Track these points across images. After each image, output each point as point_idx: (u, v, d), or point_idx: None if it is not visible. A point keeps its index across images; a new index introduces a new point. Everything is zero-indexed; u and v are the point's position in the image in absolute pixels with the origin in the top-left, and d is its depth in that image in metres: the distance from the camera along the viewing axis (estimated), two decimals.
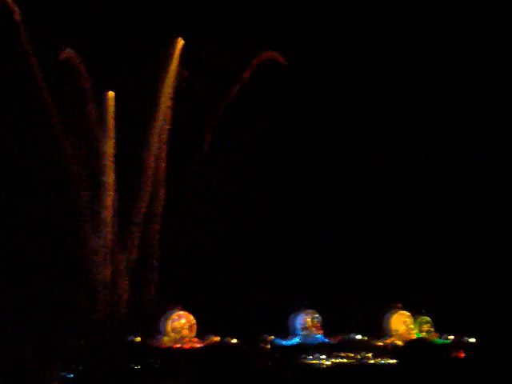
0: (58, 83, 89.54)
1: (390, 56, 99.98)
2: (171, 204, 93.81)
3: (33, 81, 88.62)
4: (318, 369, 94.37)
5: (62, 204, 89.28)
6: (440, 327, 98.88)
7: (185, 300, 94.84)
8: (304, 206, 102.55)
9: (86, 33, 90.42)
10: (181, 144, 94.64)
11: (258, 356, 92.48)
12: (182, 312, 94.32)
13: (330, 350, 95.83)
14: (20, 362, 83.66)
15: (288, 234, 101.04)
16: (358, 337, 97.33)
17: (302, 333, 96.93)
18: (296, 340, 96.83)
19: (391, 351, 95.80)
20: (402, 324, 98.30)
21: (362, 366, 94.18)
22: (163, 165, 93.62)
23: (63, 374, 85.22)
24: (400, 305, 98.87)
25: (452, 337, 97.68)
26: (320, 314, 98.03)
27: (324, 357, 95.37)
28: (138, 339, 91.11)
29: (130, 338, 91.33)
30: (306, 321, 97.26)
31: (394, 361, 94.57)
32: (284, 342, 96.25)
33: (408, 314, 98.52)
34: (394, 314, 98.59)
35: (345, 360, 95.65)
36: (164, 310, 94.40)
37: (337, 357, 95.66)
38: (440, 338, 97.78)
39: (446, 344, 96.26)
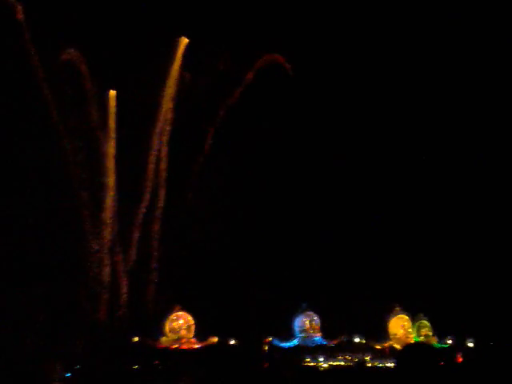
0: (60, 83, 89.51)
1: (391, 58, 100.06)
2: (172, 205, 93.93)
3: (34, 81, 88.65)
4: (316, 371, 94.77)
5: (63, 205, 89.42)
6: (439, 331, 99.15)
7: (185, 300, 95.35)
8: (304, 207, 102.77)
9: (88, 33, 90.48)
10: (182, 145, 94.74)
11: (255, 357, 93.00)
12: (180, 312, 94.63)
13: (328, 352, 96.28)
14: (21, 363, 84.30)
15: (288, 234, 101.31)
16: (357, 339, 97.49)
17: (300, 335, 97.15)
18: (294, 342, 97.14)
19: (389, 354, 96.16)
20: (400, 328, 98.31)
21: (359, 368, 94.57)
22: (164, 166, 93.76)
23: (64, 373, 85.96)
24: (398, 307, 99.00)
25: (450, 341, 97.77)
26: (319, 315, 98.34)
27: (322, 359, 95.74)
28: (136, 339, 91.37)
29: (130, 338, 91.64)
30: (305, 323, 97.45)
31: (392, 364, 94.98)
32: (282, 344, 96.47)
33: (406, 317, 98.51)
34: (392, 317, 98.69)
35: (343, 362, 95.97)
36: (164, 311, 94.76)
37: (335, 359, 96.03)
38: (438, 343, 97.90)
39: (444, 348, 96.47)
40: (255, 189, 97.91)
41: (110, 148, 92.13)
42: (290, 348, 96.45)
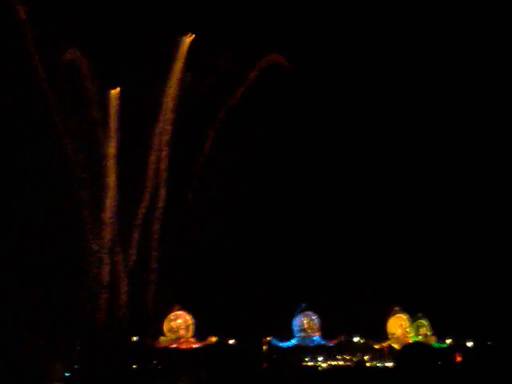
0: (61, 83, 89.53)
1: (393, 60, 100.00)
2: (172, 205, 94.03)
3: (35, 80, 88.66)
4: (315, 370, 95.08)
5: (63, 204, 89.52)
6: (438, 330, 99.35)
7: (184, 300, 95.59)
8: (304, 207, 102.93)
9: (89, 33, 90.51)
10: (182, 145, 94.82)
11: (254, 357, 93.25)
12: (179, 312, 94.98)
13: (327, 352, 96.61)
14: (21, 362, 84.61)
15: (288, 234, 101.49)
16: (356, 339, 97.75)
17: (299, 334, 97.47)
18: (293, 342, 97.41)
19: (388, 354, 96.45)
20: (399, 327, 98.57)
21: (358, 368, 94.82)
22: (164, 166, 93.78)
23: (64, 373, 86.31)
24: (398, 308, 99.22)
25: (449, 341, 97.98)
26: (318, 315, 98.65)
27: (321, 359, 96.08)
28: (135, 339, 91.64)
29: (129, 337, 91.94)
30: (303, 323, 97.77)
31: (391, 364, 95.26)
32: (281, 344, 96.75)
33: (405, 317, 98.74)
34: (390, 317, 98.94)
35: (342, 362, 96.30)
36: (163, 310, 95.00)
37: (334, 359, 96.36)
38: (437, 342, 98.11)
39: (443, 348, 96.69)
40: (255, 189, 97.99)
41: (111, 148, 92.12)
42: (288, 348, 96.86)
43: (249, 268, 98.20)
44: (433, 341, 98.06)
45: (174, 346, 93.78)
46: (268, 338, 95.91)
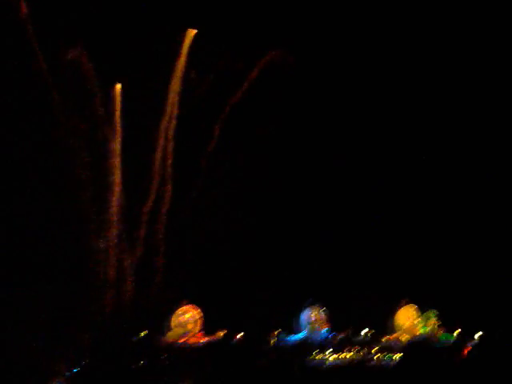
0: (64, 80, 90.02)
1: (397, 57, 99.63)
2: (178, 201, 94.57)
3: (38, 78, 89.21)
4: (323, 363, 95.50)
5: (68, 202, 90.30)
6: (447, 322, 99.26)
7: (192, 294, 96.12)
8: (313, 200, 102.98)
9: (92, 28, 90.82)
10: (188, 141, 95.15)
11: (262, 350, 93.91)
12: (187, 307, 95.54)
13: (334, 345, 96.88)
14: (25, 361, 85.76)
15: (296, 227, 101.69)
16: (364, 332, 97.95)
17: (306, 328, 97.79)
18: (301, 335, 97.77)
19: (395, 347, 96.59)
20: (407, 319, 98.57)
21: (366, 360, 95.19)
22: (169, 162, 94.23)
23: (68, 372, 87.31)
24: (406, 300, 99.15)
25: (457, 332, 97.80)
26: (326, 308, 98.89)
27: (329, 352, 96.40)
28: (143, 334, 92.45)
29: (137, 333, 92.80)
30: (311, 316, 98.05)
31: (399, 356, 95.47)
32: (289, 337, 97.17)
33: (413, 309, 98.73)
34: (398, 309, 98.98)
35: (349, 355, 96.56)
36: (171, 305, 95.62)
37: (342, 352, 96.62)
38: (445, 334, 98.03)
39: (449, 344, 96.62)
40: (261, 185, 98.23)
41: (116, 145, 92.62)
42: (296, 341, 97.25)
43: (256, 263, 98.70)
44: (441, 332, 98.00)
45: (183, 340, 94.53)
46: (275, 332, 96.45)
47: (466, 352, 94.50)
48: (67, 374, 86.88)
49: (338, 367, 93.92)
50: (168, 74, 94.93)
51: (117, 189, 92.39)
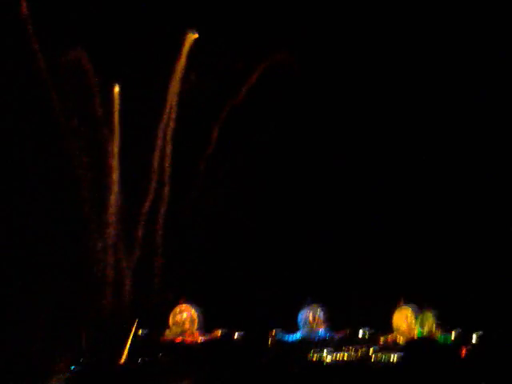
0: (64, 81, 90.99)
1: (398, 58, 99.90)
2: (176, 202, 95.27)
3: (38, 79, 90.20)
4: (321, 364, 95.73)
5: (67, 203, 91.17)
6: (445, 323, 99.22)
7: (190, 294, 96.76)
8: (312, 201, 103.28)
9: (93, 31, 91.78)
10: (186, 142, 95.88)
11: (260, 350, 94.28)
12: (184, 306, 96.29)
13: (332, 345, 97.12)
14: (28, 359, 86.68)
15: (295, 227, 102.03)
16: (361, 332, 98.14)
17: (304, 328, 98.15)
18: (298, 335, 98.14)
19: (393, 347, 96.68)
20: (404, 321, 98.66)
21: (363, 361, 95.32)
22: (168, 163, 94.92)
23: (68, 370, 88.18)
24: (403, 301, 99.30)
25: (455, 334, 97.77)
26: (324, 308, 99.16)
27: (326, 352, 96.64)
28: (141, 332, 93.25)
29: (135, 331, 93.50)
30: (309, 316, 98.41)
31: (396, 357, 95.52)
32: (287, 337, 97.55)
33: (410, 310, 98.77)
34: (396, 310, 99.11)
35: (347, 355, 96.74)
36: (169, 304, 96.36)
37: (339, 352, 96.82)
38: (442, 335, 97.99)
39: (448, 342, 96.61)
40: (261, 186, 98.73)
41: (114, 146, 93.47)
42: (294, 341, 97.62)
43: (255, 262, 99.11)
44: (438, 334, 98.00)
45: (180, 339, 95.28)
46: (273, 332, 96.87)
47: (464, 352, 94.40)
48: (67, 372, 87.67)
49: (335, 367, 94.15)
50: (167, 75, 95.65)
51: (115, 189, 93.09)
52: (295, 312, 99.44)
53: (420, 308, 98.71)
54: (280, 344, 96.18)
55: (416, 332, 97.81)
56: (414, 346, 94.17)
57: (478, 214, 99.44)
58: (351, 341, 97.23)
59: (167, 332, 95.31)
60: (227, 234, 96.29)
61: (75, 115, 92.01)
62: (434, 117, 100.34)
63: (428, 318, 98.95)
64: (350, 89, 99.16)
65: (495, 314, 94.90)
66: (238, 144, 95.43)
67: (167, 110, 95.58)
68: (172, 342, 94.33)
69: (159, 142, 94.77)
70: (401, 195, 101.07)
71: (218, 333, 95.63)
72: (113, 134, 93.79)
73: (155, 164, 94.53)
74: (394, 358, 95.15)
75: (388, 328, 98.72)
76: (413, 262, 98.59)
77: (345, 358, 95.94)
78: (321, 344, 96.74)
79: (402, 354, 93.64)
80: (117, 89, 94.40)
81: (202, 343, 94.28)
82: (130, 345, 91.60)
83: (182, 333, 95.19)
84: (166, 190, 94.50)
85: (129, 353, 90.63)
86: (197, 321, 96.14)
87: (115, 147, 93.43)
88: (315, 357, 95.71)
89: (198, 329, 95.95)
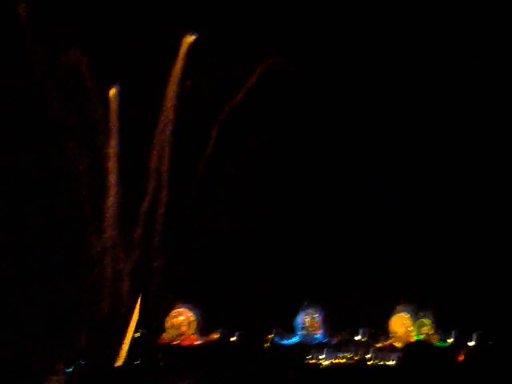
0: (62, 83, 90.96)
1: (396, 63, 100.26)
2: (174, 203, 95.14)
3: (35, 80, 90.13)
4: (317, 368, 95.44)
5: (64, 204, 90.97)
6: (442, 329, 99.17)
7: (187, 297, 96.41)
8: (310, 202, 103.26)
9: (90, 32, 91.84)
10: (184, 144, 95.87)
11: (256, 354, 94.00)
12: (181, 309, 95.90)
13: (329, 350, 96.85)
14: (24, 360, 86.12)
15: (291, 231, 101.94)
16: (358, 337, 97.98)
17: (301, 332, 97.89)
18: (295, 339, 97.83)
19: (390, 353, 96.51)
20: (401, 326, 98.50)
21: (360, 366, 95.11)
22: (166, 164, 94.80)
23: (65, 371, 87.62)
24: (400, 306, 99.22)
25: (452, 339, 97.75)
26: (321, 313, 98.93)
27: (323, 356, 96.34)
28: (138, 334, 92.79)
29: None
30: (305, 320, 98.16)
31: (393, 362, 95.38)
32: (283, 341, 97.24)
33: (407, 315, 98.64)
34: (393, 314, 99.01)
35: (344, 360, 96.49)
36: (166, 307, 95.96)
37: (336, 357, 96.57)
38: (440, 341, 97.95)
39: (445, 347, 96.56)
40: (259, 187, 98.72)
41: (112, 148, 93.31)
42: (290, 345, 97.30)
43: (254, 265, 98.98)
44: (435, 339, 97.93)
45: (177, 342, 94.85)
46: (270, 336, 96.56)
47: (461, 356, 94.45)
48: (65, 373, 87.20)
49: (332, 371, 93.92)
50: (165, 78, 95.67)
51: (113, 191, 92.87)
52: (292, 316, 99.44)
53: (417, 312, 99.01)
54: (277, 348, 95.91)
55: (413, 336, 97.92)
56: (411, 350, 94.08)
57: (477, 216, 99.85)
58: (348, 345, 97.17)
59: (164, 335, 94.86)
60: (225, 236, 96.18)
61: (73, 117, 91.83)
62: (433, 117, 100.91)
63: (425, 322, 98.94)
64: (348, 90, 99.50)
65: (494, 317, 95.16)
66: (237, 146, 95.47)
67: (165, 113, 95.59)
68: (169, 344, 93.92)
69: (157, 144, 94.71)
70: (398, 198, 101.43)
71: (215, 336, 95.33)
72: (110, 136, 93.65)
73: (153, 166, 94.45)
74: (391, 362, 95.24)
75: (385, 332, 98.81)
76: (411, 265, 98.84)
77: (341, 363, 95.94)
78: (318, 348, 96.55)
79: (399, 358, 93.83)
80: (114, 91, 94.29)
81: (198, 346, 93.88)
82: (128, 346, 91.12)
83: (179, 335, 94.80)
84: (164, 191, 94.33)
85: (127, 354, 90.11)
86: (194, 324, 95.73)
87: (113, 149, 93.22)
88: (312, 361, 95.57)
89: (194, 332, 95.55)
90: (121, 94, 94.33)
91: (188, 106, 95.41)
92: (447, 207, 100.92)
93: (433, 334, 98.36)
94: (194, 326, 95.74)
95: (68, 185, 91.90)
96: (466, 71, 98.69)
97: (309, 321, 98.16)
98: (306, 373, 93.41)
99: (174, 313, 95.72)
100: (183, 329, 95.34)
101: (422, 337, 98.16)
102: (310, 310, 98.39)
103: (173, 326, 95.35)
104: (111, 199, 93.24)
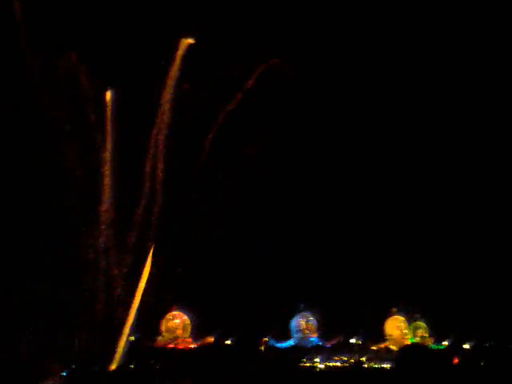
0: (56, 86, 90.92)
1: (395, 65, 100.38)
2: (169, 208, 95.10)
3: (31, 83, 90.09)
4: (312, 372, 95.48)
5: (58, 207, 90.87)
6: (437, 332, 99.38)
7: (182, 301, 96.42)
8: (306, 208, 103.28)
9: (85, 36, 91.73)
10: (180, 148, 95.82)
11: (251, 357, 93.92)
12: (176, 312, 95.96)
13: (324, 353, 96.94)
14: (20, 362, 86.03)
15: (288, 234, 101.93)
16: (353, 340, 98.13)
17: (296, 335, 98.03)
18: (290, 342, 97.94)
19: (386, 355, 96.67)
20: (396, 329, 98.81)
21: (356, 369, 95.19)
22: (161, 168, 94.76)
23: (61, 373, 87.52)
24: (395, 309, 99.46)
25: (446, 342, 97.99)
26: (317, 316, 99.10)
27: (318, 360, 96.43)
28: (132, 338, 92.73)
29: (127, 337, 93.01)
30: (300, 323, 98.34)
31: (389, 365, 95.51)
32: (278, 345, 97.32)
33: (402, 318, 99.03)
34: (388, 318, 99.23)
35: (339, 363, 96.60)
36: (161, 311, 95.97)
37: (331, 360, 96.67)
38: (435, 344, 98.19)
39: (440, 350, 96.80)
40: (255, 191, 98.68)
41: (107, 152, 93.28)
42: (286, 348, 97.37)
43: (249, 269, 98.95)
44: (430, 343, 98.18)
45: (172, 345, 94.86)
46: (265, 339, 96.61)
47: (456, 359, 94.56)
48: (59, 376, 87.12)
49: (327, 374, 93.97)
50: (162, 81, 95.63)
51: (108, 194, 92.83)
52: (288, 319, 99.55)
53: (412, 314, 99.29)
54: (272, 351, 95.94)
55: (408, 339, 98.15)
56: (407, 353, 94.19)
57: (473, 221, 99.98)
58: (344, 348, 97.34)
59: (159, 338, 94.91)
60: (220, 240, 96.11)
61: (68, 121, 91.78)
62: (433, 117, 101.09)
63: (420, 327, 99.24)
64: (347, 93, 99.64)
65: (489, 322, 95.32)
66: (235, 148, 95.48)
67: (160, 117, 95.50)
68: (164, 348, 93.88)
69: (152, 147, 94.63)
70: (394, 201, 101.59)
71: (211, 339, 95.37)
72: (106, 140, 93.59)
73: (148, 170, 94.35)
74: (386, 365, 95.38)
75: (380, 336, 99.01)
76: (406, 268, 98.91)
77: (337, 366, 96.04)
78: (313, 351, 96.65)
79: (395, 361, 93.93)
80: (109, 94, 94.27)
81: (194, 349, 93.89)
82: (123, 350, 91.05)
83: (174, 339, 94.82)
84: (159, 196, 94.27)
85: (121, 358, 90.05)
86: (189, 327, 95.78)
87: (108, 153, 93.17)
88: (307, 364, 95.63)
89: (190, 335, 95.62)
90: (116, 98, 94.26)
91: (185, 109, 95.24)
92: (443, 211, 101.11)
93: (428, 337, 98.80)
94: (189, 329, 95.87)
95: (63, 189, 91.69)
96: (466, 71, 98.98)
97: (304, 324, 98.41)
98: (301, 376, 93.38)
99: (169, 316, 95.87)
100: (178, 332, 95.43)
101: (417, 339, 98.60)
102: (305, 313, 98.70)
103: (168, 330, 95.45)
104: (106, 203, 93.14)
